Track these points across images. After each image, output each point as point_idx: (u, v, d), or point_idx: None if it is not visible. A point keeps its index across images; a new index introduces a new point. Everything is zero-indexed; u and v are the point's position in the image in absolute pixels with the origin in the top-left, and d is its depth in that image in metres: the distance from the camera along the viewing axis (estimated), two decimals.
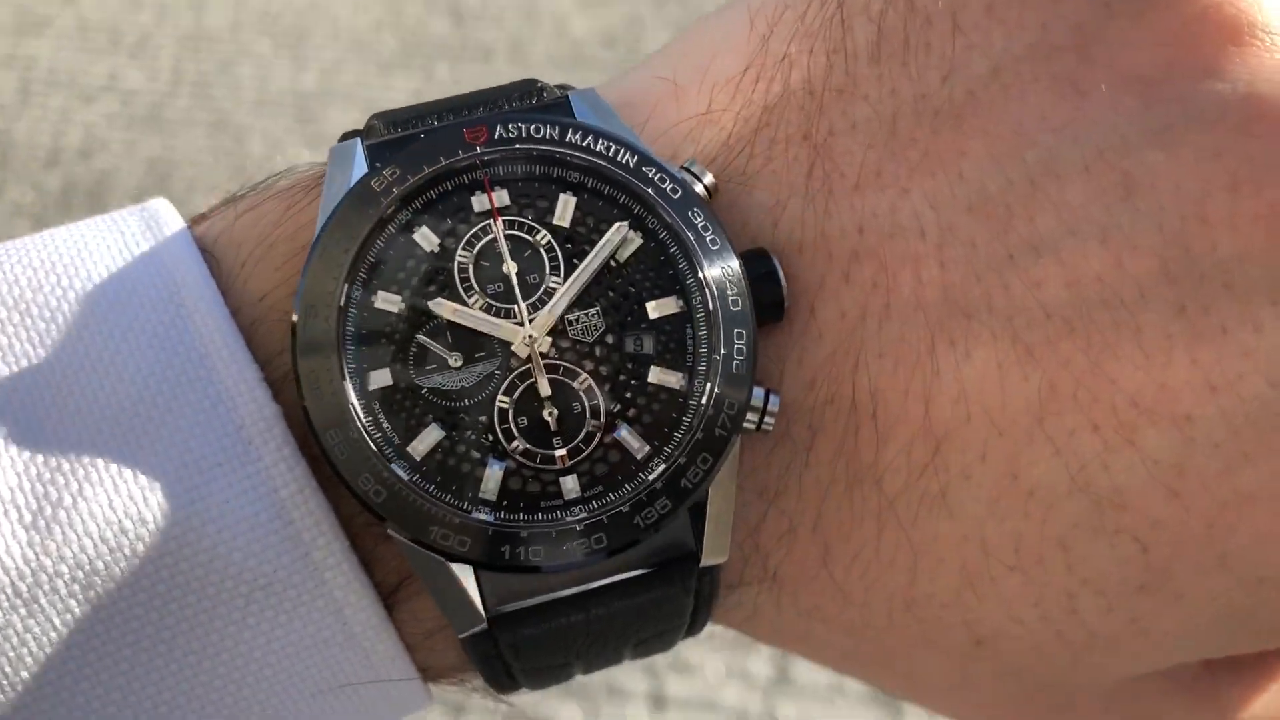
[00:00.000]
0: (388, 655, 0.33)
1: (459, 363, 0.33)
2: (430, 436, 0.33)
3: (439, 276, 0.34)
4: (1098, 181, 0.33)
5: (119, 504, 0.31)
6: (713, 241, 0.34)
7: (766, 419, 0.33)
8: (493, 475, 0.32)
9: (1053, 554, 0.34)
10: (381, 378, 0.33)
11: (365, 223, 0.33)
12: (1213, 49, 0.33)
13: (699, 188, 0.34)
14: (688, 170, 0.34)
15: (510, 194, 0.34)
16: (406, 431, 0.32)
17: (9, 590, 0.30)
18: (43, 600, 0.30)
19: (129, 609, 0.31)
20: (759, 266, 0.34)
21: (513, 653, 0.34)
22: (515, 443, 0.33)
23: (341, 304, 0.33)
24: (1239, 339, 0.31)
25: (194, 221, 0.37)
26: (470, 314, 0.33)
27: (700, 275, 0.33)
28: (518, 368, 0.33)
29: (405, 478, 0.32)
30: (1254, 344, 0.31)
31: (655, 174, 0.34)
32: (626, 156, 0.34)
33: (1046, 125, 0.33)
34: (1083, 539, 0.33)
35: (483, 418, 0.33)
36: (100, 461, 0.31)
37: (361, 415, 0.32)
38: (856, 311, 0.34)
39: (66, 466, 0.31)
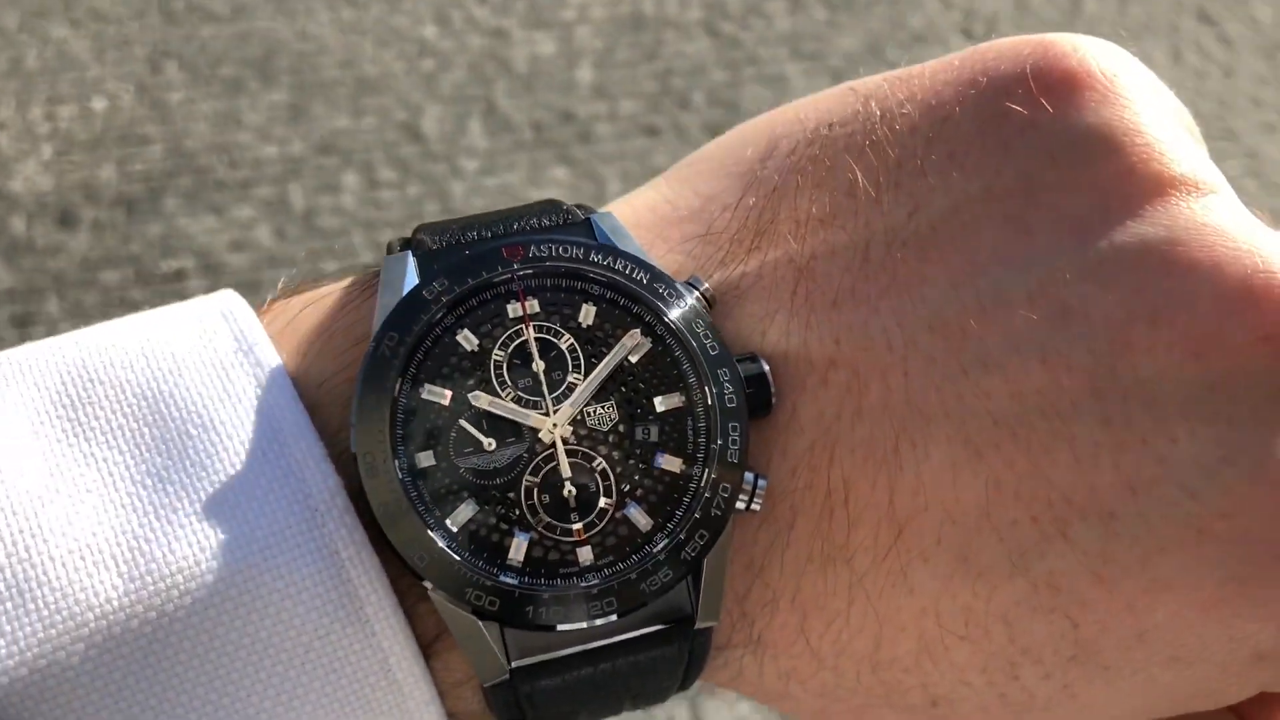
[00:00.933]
0: (423, 700, 0.38)
1: (492, 447, 0.38)
2: (466, 511, 0.38)
3: (477, 372, 0.39)
4: (1040, 308, 0.38)
5: (203, 561, 0.35)
6: (712, 348, 0.39)
7: (755, 500, 0.38)
8: (519, 545, 0.38)
9: (997, 627, 0.38)
10: (426, 459, 0.38)
11: (416, 325, 0.39)
12: (1139, 198, 0.38)
13: (700, 301, 0.40)
14: (691, 285, 0.40)
15: (540, 302, 0.40)
16: (446, 505, 0.38)
17: (104, 633, 0.34)
18: (129, 642, 0.35)
19: (206, 653, 0.36)
20: (751, 369, 0.39)
21: (529, 701, 0.38)
22: (539, 517, 0.38)
23: (395, 394, 0.38)
24: (1155, 448, 0.36)
25: (262, 312, 0.41)
26: (503, 405, 0.38)
27: (701, 376, 0.39)
28: (542, 452, 0.38)
29: (444, 545, 0.37)
30: (1168, 453, 0.36)
31: (664, 289, 0.40)
32: (640, 274, 0.40)
33: (997, 257, 0.38)
34: (1023, 615, 0.38)
35: (511, 494, 0.38)
36: (190, 520, 0.36)
37: (409, 491, 0.37)
38: (833, 411, 0.39)
39: (158, 525, 0.36)
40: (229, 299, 0.41)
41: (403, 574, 0.37)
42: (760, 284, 0.41)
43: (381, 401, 0.38)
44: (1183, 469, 0.37)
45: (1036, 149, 0.40)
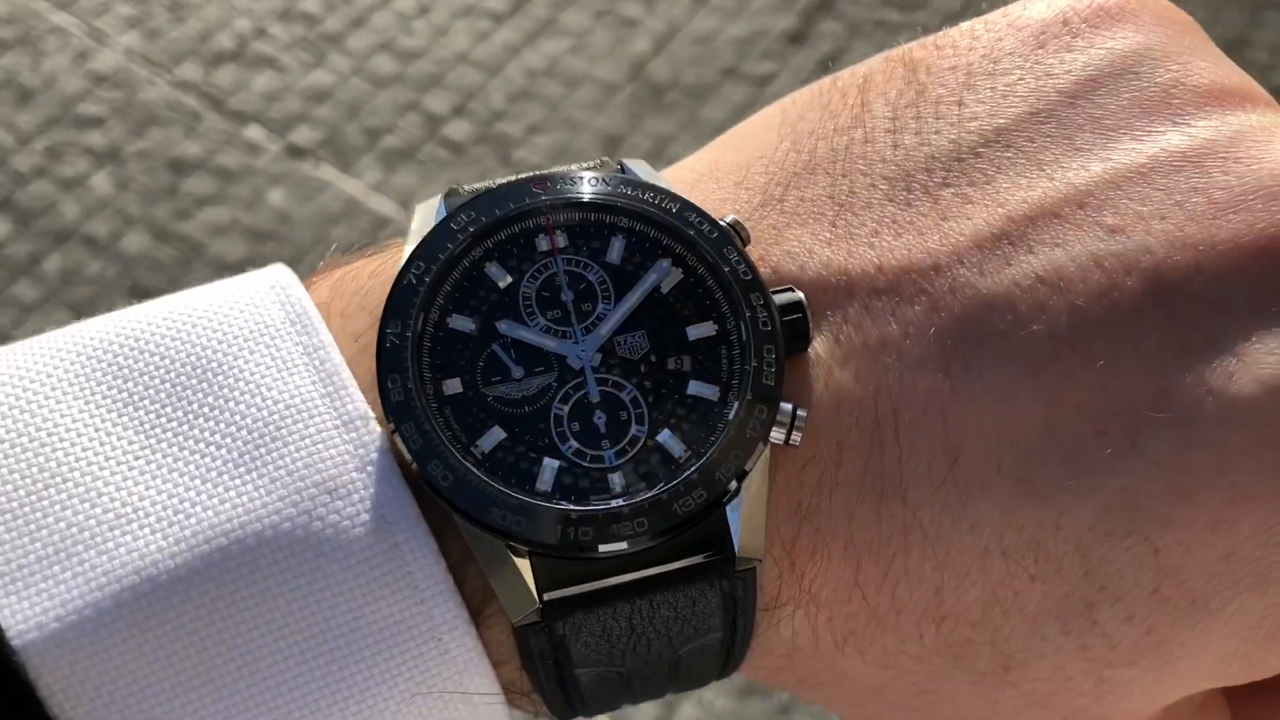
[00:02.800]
0: (475, 671, 0.36)
1: (521, 375, 0.37)
2: (494, 436, 0.37)
3: (506, 303, 0.38)
4: (1092, 216, 0.37)
5: (247, 523, 0.34)
6: (745, 273, 0.38)
7: (795, 432, 0.36)
8: (548, 469, 0.36)
9: (1070, 560, 0.36)
10: (453, 385, 0.37)
11: (442, 254, 0.38)
12: (1191, 105, 0.38)
13: (733, 232, 0.39)
14: (723, 220, 0.39)
15: (569, 237, 0.39)
16: (473, 432, 0.37)
17: (146, 594, 0.34)
18: (168, 601, 0.34)
19: (245, 615, 0.34)
20: (787, 298, 0.38)
21: (562, 648, 0.36)
22: (569, 444, 0.37)
23: (419, 325, 0.37)
24: (1224, 346, 0.35)
25: (309, 283, 0.41)
26: (532, 333, 0.38)
27: (734, 302, 0.38)
28: (572, 380, 0.37)
29: (470, 467, 0.36)
30: (1241, 350, 0.35)
31: (695, 218, 0.39)
32: (669, 204, 0.39)
33: (1045, 173, 0.38)
34: (1097, 543, 0.35)
35: (540, 423, 0.37)
36: (235, 483, 0.35)
37: (434, 415, 0.36)
38: (877, 340, 0.37)
39: (204, 489, 0.35)
40: (277, 272, 0.40)
41: (452, 540, 0.36)
42: (797, 219, 0.40)
43: (406, 329, 0.37)
44: (1256, 364, 0.35)
45: (1079, 72, 0.40)
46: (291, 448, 0.35)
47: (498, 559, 0.36)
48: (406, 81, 2.06)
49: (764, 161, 0.41)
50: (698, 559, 0.37)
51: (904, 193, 0.39)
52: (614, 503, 0.36)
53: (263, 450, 0.35)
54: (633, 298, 0.38)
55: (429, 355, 0.37)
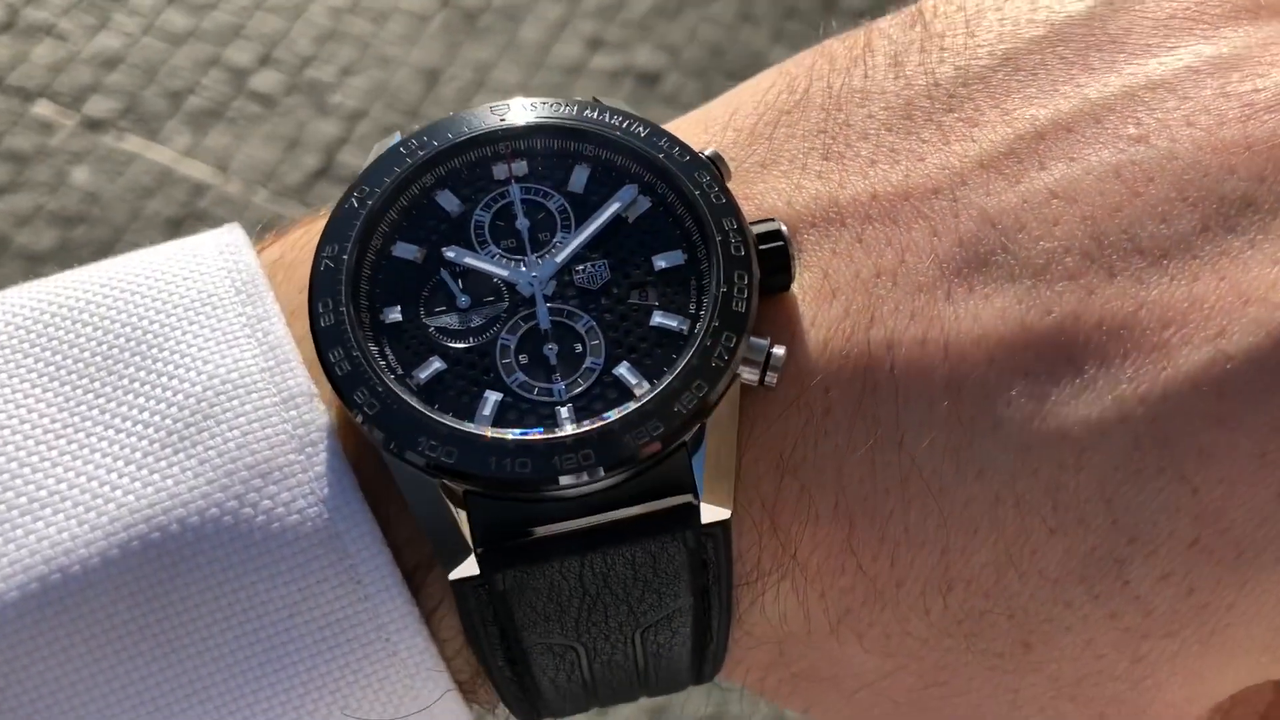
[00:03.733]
0: (427, 672, 0.33)
1: (466, 304, 0.34)
2: (432, 366, 0.34)
3: (456, 231, 0.35)
4: (1110, 129, 0.34)
5: (173, 506, 0.32)
6: (717, 197, 0.35)
7: (769, 374, 0.33)
8: (489, 401, 0.33)
9: (1094, 507, 0.31)
10: (392, 314, 0.34)
11: (389, 178, 0.35)
12: (1215, 19, 0.36)
13: (709, 165, 0.36)
14: (705, 156, 0.36)
15: (529, 164, 0.36)
16: (409, 362, 0.34)
17: (57, 583, 0.31)
18: (84, 593, 0.31)
19: (169, 605, 0.32)
20: (765, 228, 0.34)
21: (504, 606, 0.33)
22: (515, 376, 0.34)
23: (357, 251, 0.34)
24: (1266, 251, 0.32)
25: (264, 245, 0.38)
26: (481, 260, 0.35)
27: (705, 229, 0.35)
28: (523, 310, 0.34)
29: (400, 394, 0.33)
30: None
31: (665, 142, 0.36)
32: (638, 128, 0.36)
33: (1059, 93, 0.35)
34: (1126, 484, 0.31)
35: (485, 354, 0.34)
36: (162, 465, 0.32)
37: (368, 342, 0.33)
38: (870, 270, 0.34)
39: (128, 470, 0.32)
40: (229, 234, 0.37)
41: (399, 516, 0.33)
42: (785, 154, 0.36)
43: (343, 252, 0.34)
44: None
45: (1089, 3, 0.37)
46: (225, 426, 0.32)
47: (432, 504, 0.32)
48: (203, 36, 1.94)
49: (754, 103, 0.38)
50: (656, 504, 0.33)
51: (904, 121, 0.36)
52: (557, 432, 0.32)
53: (193, 429, 0.32)
54: (593, 224, 0.35)
55: (368, 283, 0.34)
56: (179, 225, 1.74)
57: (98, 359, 0.34)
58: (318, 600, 0.32)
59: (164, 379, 0.33)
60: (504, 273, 0.35)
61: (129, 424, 0.33)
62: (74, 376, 0.34)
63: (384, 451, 0.32)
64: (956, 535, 0.32)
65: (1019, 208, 0.33)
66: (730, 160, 0.36)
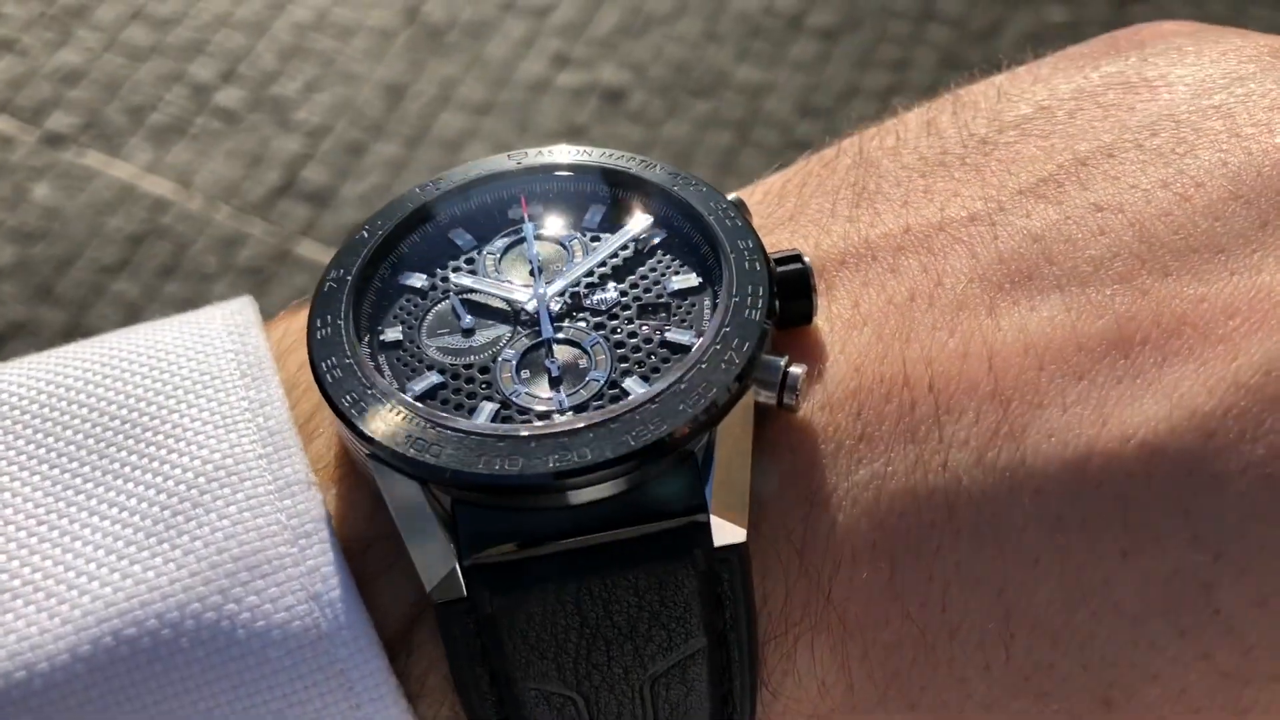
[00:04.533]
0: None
1: (470, 324, 0.34)
2: (427, 380, 0.33)
3: (468, 263, 0.35)
4: (1154, 149, 0.34)
5: (154, 600, 0.30)
6: (733, 221, 0.34)
7: (788, 394, 0.31)
8: (485, 410, 0.32)
9: (1172, 523, 0.27)
10: (393, 334, 0.34)
11: (402, 212, 0.36)
12: (1248, 63, 0.36)
13: (729, 205, 0.35)
14: (728, 200, 0.35)
15: (543, 205, 0.37)
16: (405, 377, 0.33)
17: (17, 681, 0.29)
18: (44, 693, 0.29)
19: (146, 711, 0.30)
20: (785, 254, 0.33)
21: (494, 635, 0.30)
22: (515, 389, 0.32)
23: (363, 273, 0.34)
24: None
25: (274, 322, 0.37)
26: (488, 282, 0.35)
27: (718, 246, 0.34)
28: (527, 330, 0.34)
29: (392, 401, 0.31)
30: None
31: (682, 179, 0.36)
32: (657, 169, 0.36)
33: (1098, 128, 0.35)
34: (1204, 492, 0.27)
35: (484, 369, 0.33)
36: (143, 555, 0.30)
37: (363, 355, 0.33)
38: (904, 294, 0.32)
39: (107, 560, 0.31)
40: (240, 313, 0.36)
41: (399, 634, 0.31)
42: (814, 201, 0.36)
43: (347, 274, 0.34)
44: None
45: (1127, 59, 0.38)
46: (214, 515, 0.31)
47: (416, 518, 0.30)
48: (166, 51, 1.92)
49: (787, 172, 0.38)
50: (663, 524, 0.29)
51: (938, 167, 0.35)
52: (553, 428, 0.30)
53: (181, 517, 0.31)
54: (604, 249, 0.35)
55: (371, 305, 0.34)
56: (140, 242, 1.72)
57: (90, 440, 0.32)
58: (305, 709, 0.29)
59: (156, 463, 0.32)
60: (511, 294, 0.34)
61: (115, 510, 0.31)
62: (63, 459, 0.32)
63: (370, 460, 0.31)
64: (1015, 568, 0.29)
65: (1061, 222, 0.33)
66: (756, 215, 0.35)
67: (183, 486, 0.31)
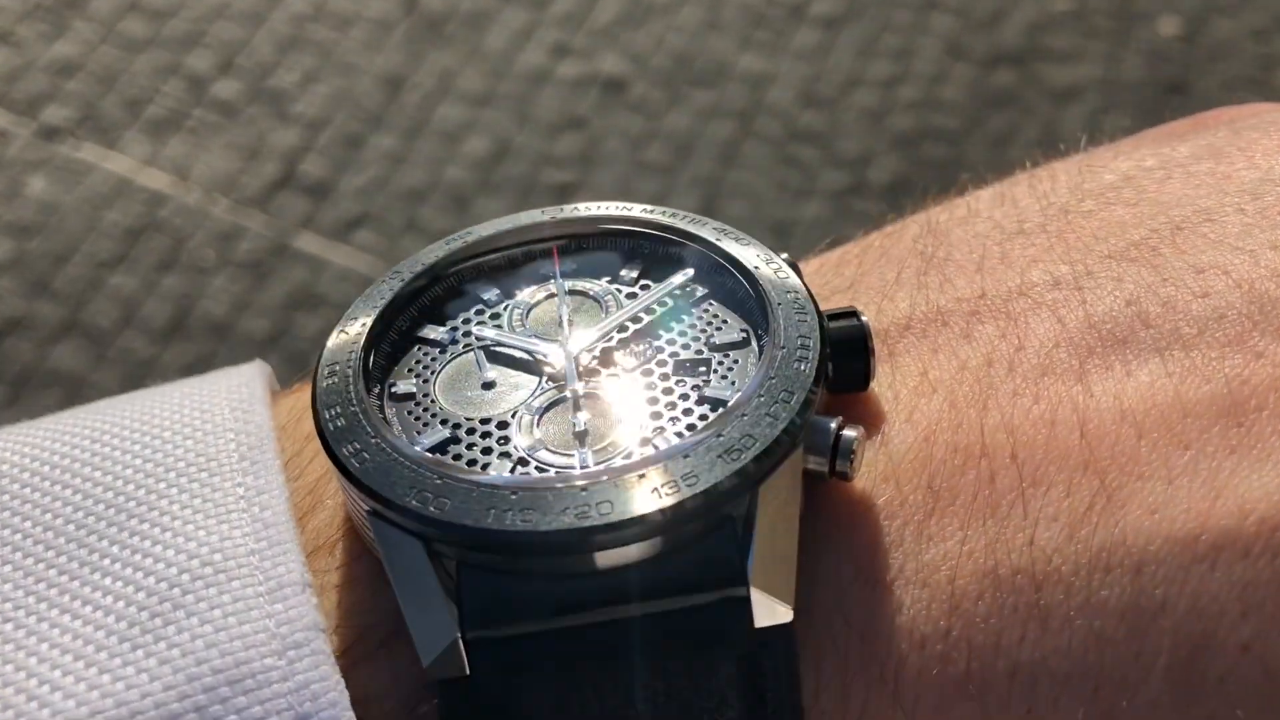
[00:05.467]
0: None
1: (491, 378, 0.31)
2: (438, 434, 0.30)
3: (492, 318, 0.33)
4: (1257, 210, 0.32)
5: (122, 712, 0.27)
6: (779, 272, 0.32)
7: (841, 461, 0.28)
8: (499, 467, 0.29)
9: None
10: (405, 386, 0.32)
11: (432, 263, 0.34)
12: None
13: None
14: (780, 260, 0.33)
15: (576, 262, 0.35)
16: (415, 430, 0.30)
17: None
18: None
19: None
20: (841, 313, 0.31)
21: (488, 693, 0.27)
22: (534, 446, 0.30)
23: (381, 324, 0.32)
24: None
25: (288, 393, 0.35)
26: (512, 336, 0.32)
27: (763, 296, 0.31)
28: (552, 383, 0.31)
29: (398, 456, 0.28)
30: None
31: (726, 232, 0.34)
32: (703, 225, 0.34)
33: (1195, 193, 0.33)
34: None
35: (502, 425, 0.30)
36: (106, 653, 0.28)
37: (370, 405, 0.30)
38: (980, 360, 0.30)
39: (80, 660, 0.28)
40: (248, 385, 0.33)
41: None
42: (875, 272, 0.34)
43: (363, 325, 0.32)
44: None
45: (1216, 132, 0.36)
46: (196, 619, 0.27)
47: (418, 584, 0.27)
48: (162, 44, 1.91)
49: (845, 245, 0.36)
50: (694, 599, 0.26)
51: (1015, 235, 0.33)
52: (571, 483, 0.27)
53: (159, 620, 0.28)
54: (640, 303, 0.33)
55: (385, 358, 0.32)
56: (137, 236, 1.71)
57: (71, 527, 0.30)
58: None
59: (139, 555, 0.29)
60: (535, 347, 0.32)
61: (89, 608, 0.28)
62: (40, 547, 0.30)
63: (369, 520, 0.28)
64: (1114, 663, 0.25)
65: (1158, 284, 0.30)
66: (811, 285, 0.32)
67: (164, 584, 0.28)
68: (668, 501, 0.26)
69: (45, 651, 0.27)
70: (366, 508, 0.28)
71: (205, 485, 0.30)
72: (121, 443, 0.31)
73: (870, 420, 0.30)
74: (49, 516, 0.30)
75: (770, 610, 0.26)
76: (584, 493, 0.26)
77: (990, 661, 0.26)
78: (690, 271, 0.33)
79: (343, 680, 0.27)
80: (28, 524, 0.30)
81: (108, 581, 0.28)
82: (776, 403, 0.28)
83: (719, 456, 0.27)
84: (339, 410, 0.29)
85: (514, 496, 0.27)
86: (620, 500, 0.26)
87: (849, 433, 0.28)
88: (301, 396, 0.34)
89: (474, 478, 0.28)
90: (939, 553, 0.27)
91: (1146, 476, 0.27)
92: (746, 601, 0.26)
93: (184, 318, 1.65)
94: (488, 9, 2.00)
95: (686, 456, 0.27)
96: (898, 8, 2.02)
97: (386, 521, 0.28)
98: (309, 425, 0.32)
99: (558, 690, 0.26)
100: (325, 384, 0.30)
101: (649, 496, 0.26)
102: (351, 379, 0.30)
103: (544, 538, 0.26)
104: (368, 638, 0.28)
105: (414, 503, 0.27)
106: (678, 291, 0.33)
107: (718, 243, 0.33)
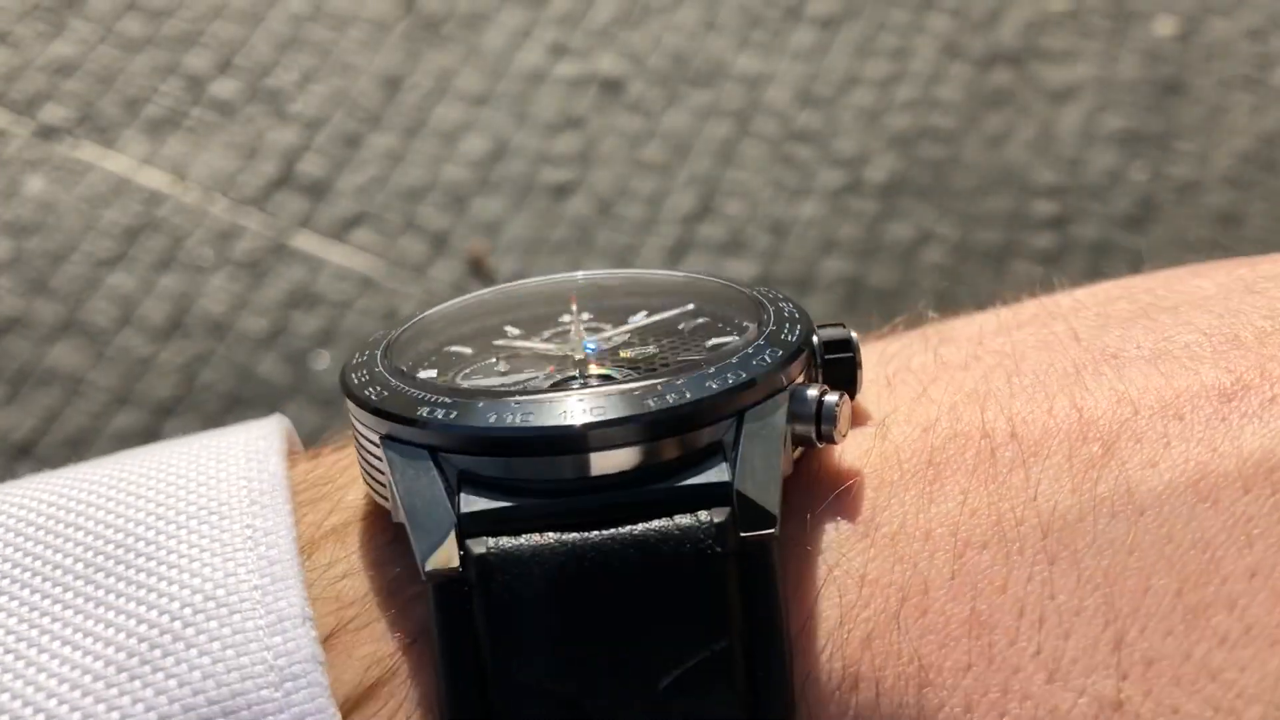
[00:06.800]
0: None
1: (506, 369, 0.33)
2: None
3: (513, 338, 0.36)
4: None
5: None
6: (781, 299, 0.34)
7: (825, 424, 0.29)
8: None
9: None
10: (429, 372, 0.33)
11: (457, 306, 0.36)
12: None
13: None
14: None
15: (593, 312, 0.36)
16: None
17: None
18: None
19: None
20: (835, 339, 0.32)
21: (489, 617, 0.27)
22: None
23: (410, 334, 0.35)
24: None
25: (319, 451, 0.36)
26: (529, 344, 0.34)
27: (761, 307, 0.33)
28: (563, 371, 0.33)
29: (412, 385, 0.31)
30: None
31: (738, 285, 0.36)
32: (715, 280, 0.36)
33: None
34: None
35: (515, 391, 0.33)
36: (104, 683, 0.28)
37: (393, 368, 0.32)
38: (978, 379, 0.31)
39: (76, 690, 0.29)
40: (265, 439, 0.34)
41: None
42: (897, 343, 0.35)
43: (392, 329, 0.34)
44: None
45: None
46: (195, 651, 0.28)
47: (421, 486, 0.28)
48: (160, 43, 1.91)
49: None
50: (684, 509, 0.27)
51: (1011, 329, 0.34)
52: (572, 387, 0.30)
53: (159, 652, 0.28)
54: (647, 320, 0.35)
55: (412, 356, 0.34)
56: (135, 235, 1.71)
57: (80, 565, 0.30)
58: None
59: (143, 591, 0.29)
60: (552, 350, 0.34)
61: (90, 640, 0.28)
62: (46, 584, 0.30)
63: (385, 445, 0.29)
64: (1123, 596, 0.26)
65: (1150, 310, 0.34)
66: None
67: (165, 617, 0.28)
68: (656, 405, 0.28)
69: (43, 681, 0.28)
70: (382, 433, 0.30)
71: (214, 527, 0.30)
72: (135, 488, 0.32)
73: (862, 414, 0.31)
74: (59, 556, 0.30)
75: (756, 517, 0.27)
76: (581, 400, 0.29)
77: (996, 601, 0.26)
78: (691, 306, 0.36)
79: (339, 714, 0.27)
80: (37, 563, 0.30)
81: (110, 614, 0.29)
82: (764, 352, 0.30)
83: (708, 381, 0.29)
84: (365, 371, 0.32)
85: (516, 403, 0.29)
86: (613, 405, 0.28)
87: (830, 397, 0.29)
88: (335, 461, 0.35)
89: (482, 386, 0.31)
90: (940, 510, 0.28)
91: (1145, 440, 0.28)
92: (732, 509, 0.27)
93: (182, 316, 1.66)
94: (486, 9, 2.00)
95: (679, 380, 0.29)
96: (894, 7, 2.02)
97: (398, 442, 0.29)
98: (318, 502, 0.33)
99: (547, 583, 0.27)
100: (355, 362, 0.33)
101: (640, 402, 0.28)
102: (378, 359, 0.32)
103: (539, 433, 0.28)
104: (374, 672, 0.29)
105: (425, 414, 0.29)
106: (681, 315, 0.35)
107: (734, 287, 0.36)
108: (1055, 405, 0.29)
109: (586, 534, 0.27)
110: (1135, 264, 1.77)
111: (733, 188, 1.83)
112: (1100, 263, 1.77)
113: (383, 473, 0.30)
